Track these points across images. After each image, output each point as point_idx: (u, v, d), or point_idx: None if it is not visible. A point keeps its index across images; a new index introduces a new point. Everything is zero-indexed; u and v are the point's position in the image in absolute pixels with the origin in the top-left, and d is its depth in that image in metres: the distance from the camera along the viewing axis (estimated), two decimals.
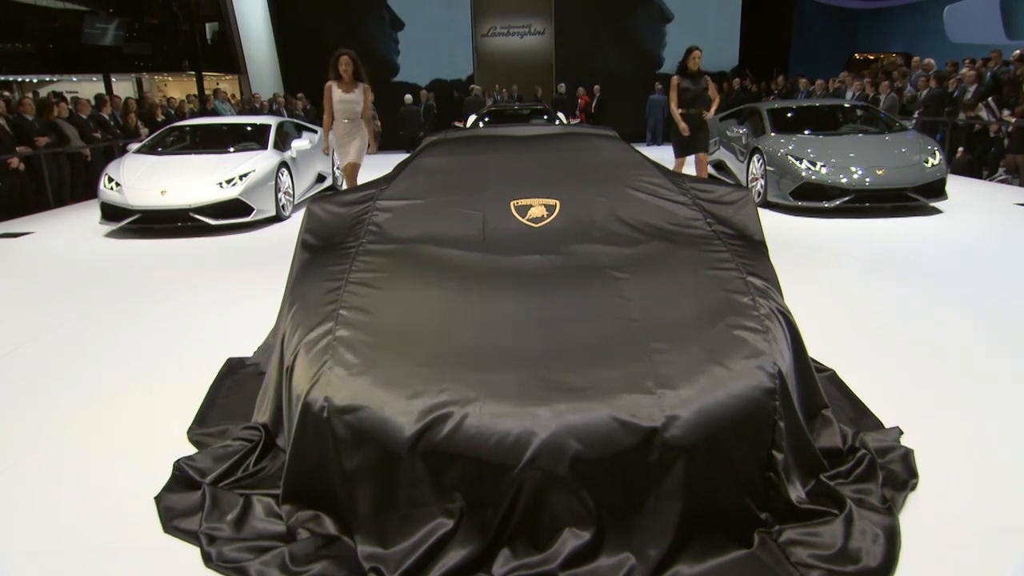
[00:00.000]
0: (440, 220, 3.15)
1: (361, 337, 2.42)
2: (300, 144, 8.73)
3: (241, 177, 7.47)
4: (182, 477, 2.59)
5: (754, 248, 3.00)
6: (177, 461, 2.64)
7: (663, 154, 14.07)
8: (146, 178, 7.35)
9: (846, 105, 9.27)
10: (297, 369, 2.41)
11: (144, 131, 11.80)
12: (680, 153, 7.80)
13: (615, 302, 2.59)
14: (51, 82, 21.77)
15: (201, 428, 3.03)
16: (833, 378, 3.33)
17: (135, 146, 8.36)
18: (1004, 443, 2.79)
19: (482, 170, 3.52)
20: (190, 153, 8.10)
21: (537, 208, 3.19)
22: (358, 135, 6.79)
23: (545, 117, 12.63)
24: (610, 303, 2.59)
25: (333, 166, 10.40)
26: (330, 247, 3.06)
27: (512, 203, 3.22)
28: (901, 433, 2.77)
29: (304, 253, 3.09)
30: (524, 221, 3.12)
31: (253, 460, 2.64)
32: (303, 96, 17.21)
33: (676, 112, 7.51)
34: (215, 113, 14.50)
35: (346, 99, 6.65)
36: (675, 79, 7.50)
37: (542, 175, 3.45)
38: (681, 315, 2.50)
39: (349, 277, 2.75)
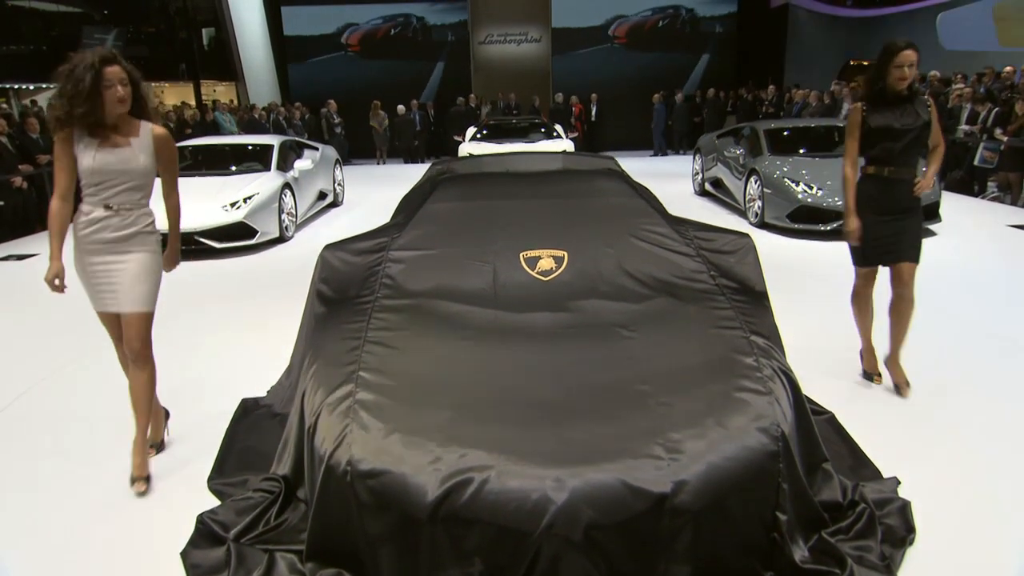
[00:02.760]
0: (452, 273, 3.25)
1: (381, 400, 2.52)
2: (302, 164, 8.83)
3: (245, 200, 7.56)
4: (206, 531, 2.68)
5: (756, 302, 3.11)
6: (200, 515, 2.73)
7: (669, 166, 14.35)
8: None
9: (840, 125, 9.41)
10: (320, 430, 2.50)
11: None
12: (863, 260, 3.84)
13: (624, 364, 2.69)
14: (47, 89, 21.76)
15: (221, 477, 3.12)
16: (832, 421, 3.44)
17: None
18: (1001, 488, 2.90)
19: (491, 218, 3.62)
20: (193, 175, 8.18)
21: (546, 260, 3.29)
22: (140, 246, 3.07)
23: (542, 130, 12.75)
24: (619, 366, 2.69)
25: (334, 182, 10.49)
26: (346, 300, 3.15)
27: (522, 255, 3.32)
28: (898, 483, 2.88)
29: (320, 306, 3.18)
30: (534, 274, 3.23)
31: (274, 513, 2.73)
32: (300, 105, 17.30)
33: (850, 180, 3.74)
34: (215, 125, 14.59)
35: (107, 163, 2.92)
36: (857, 109, 3.67)
37: (549, 224, 3.55)
38: (688, 378, 2.61)
39: (367, 336, 2.85)
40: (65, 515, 2.93)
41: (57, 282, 2.99)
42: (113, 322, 3.16)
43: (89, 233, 2.98)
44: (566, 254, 3.32)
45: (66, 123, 2.87)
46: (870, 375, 4.01)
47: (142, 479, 3.09)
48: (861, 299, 3.98)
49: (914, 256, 3.72)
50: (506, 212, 3.69)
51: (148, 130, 3.05)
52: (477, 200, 3.86)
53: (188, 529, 2.71)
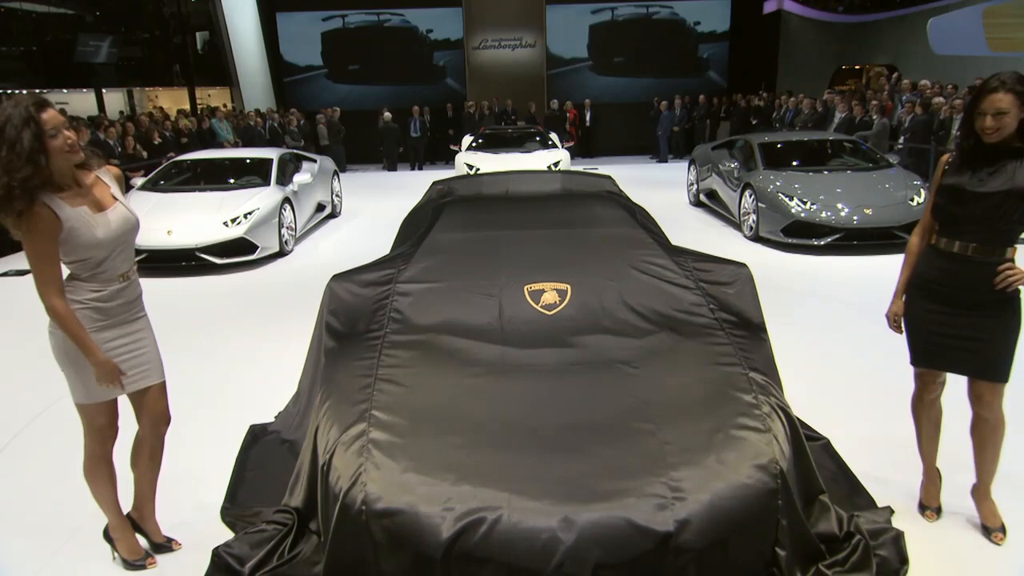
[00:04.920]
0: (459, 307, 3.33)
1: (394, 439, 2.61)
2: (301, 178, 8.89)
3: (246, 215, 7.62)
4: (222, 565, 2.75)
5: (754, 335, 3.20)
6: (216, 549, 2.80)
7: (665, 174, 14.44)
8: (152, 217, 7.47)
9: (831, 139, 9.57)
10: (334, 467, 2.59)
11: (144, 154, 11.91)
12: (913, 357, 2.99)
13: (627, 402, 2.79)
14: (40, 94, 21.68)
15: (234, 508, 3.19)
16: (827, 448, 3.54)
17: (139, 181, 8.48)
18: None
19: (495, 249, 3.70)
20: (193, 190, 8.25)
21: (550, 293, 3.37)
22: (143, 306, 2.75)
23: (538, 139, 12.83)
24: (623, 403, 2.78)
25: (332, 194, 10.56)
26: (355, 335, 3.23)
27: (526, 288, 3.40)
28: (892, 513, 2.98)
29: (330, 340, 3.26)
30: (538, 308, 3.31)
31: (288, 546, 2.81)
32: (296, 111, 17.33)
33: (908, 251, 2.96)
34: (212, 132, 14.61)
35: (117, 226, 2.54)
36: (941, 162, 2.84)
37: (552, 255, 3.64)
38: (689, 415, 2.71)
39: (378, 373, 2.94)
40: (76, 547, 3.00)
41: (113, 377, 2.56)
42: (114, 409, 2.70)
43: (105, 310, 2.55)
44: (569, 287, 3.40)
45: (26, 195, 2.30)
46: (924, 507, 3.07)
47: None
48: (918, 407, 3.05)
49: (991, 372, 2.75)
50: (509, 243, 3.77)
51: (105, 173, 2.63)
52: (480, 230, 3.95)
53: (202, 560, 2.78)
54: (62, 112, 2.41)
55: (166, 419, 2.87)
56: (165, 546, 2.95)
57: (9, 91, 20.22)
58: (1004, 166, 2.61)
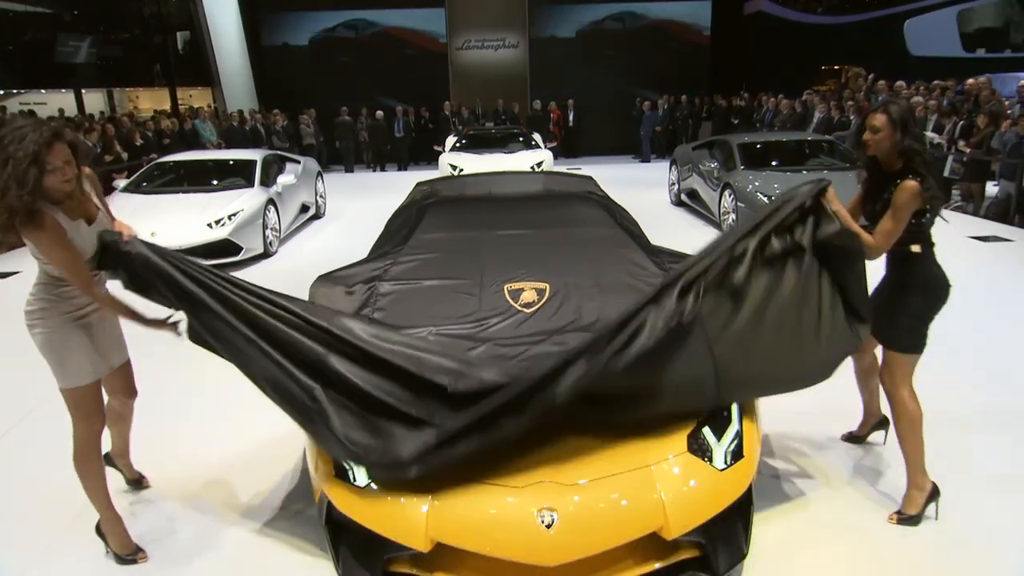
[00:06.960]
0: (440, 306, 3.40)
1: None
2: (285, 179, 8.91)
3: (230, 217, 7.64)
4: None
5: None
6: None
7: (648, 174, 14.53)
8: (135, 219, 7.33)
9: (809, 139, 9.73)
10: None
11: (124, 155, 11.86)
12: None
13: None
14: (18, 94, 21.47)
15: None
16: None
17: (122, 183, 8.47)
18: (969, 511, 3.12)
19: (476, 249, 3.79)
20: (177, 192, 8.25)
21: (529, 292, 3.46)
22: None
23: (521, 140, 12.90)
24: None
25: (316, 195, 10.58)
26: None
27: (506, 287, 3.48)
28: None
29: None
30: (517, 306, 3.39)
31: None
32: (279, 112, 17.28)
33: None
34: (194, 133, 14.54)
35: (94, 233, 2.66)
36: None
37: (533, 255, 3.73)
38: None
39: None
40: (69, 542, 3.06)
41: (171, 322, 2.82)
42: (100, 391, 2.86)
43: (85, 308, 2.73)
44: (548, 286, 3.49)
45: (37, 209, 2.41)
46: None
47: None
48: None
49: (887, 338, 3.09)
50: (491, 243, 3.86)
51: (85, 179, 2.69)
52: (463, 230, 4.03)
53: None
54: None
55: (135, 392, 3.15)
56: (137, 482, 3.38)
57: None
58: (884, 189, 3.03)
